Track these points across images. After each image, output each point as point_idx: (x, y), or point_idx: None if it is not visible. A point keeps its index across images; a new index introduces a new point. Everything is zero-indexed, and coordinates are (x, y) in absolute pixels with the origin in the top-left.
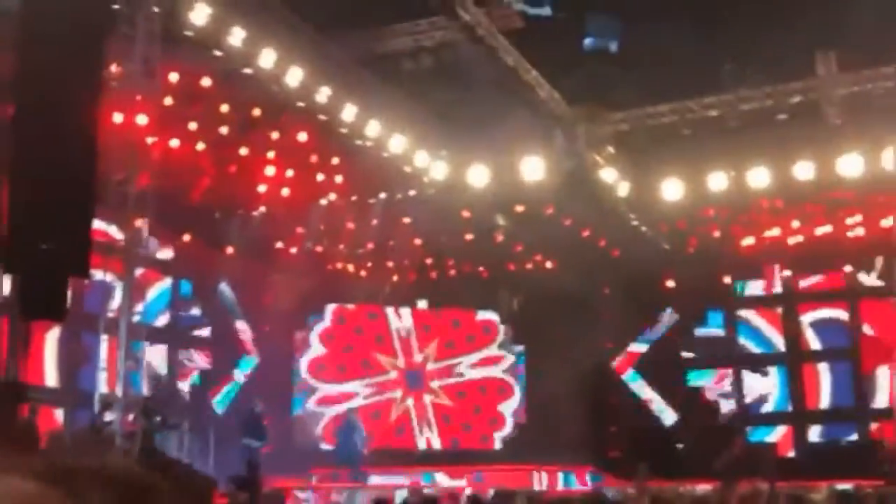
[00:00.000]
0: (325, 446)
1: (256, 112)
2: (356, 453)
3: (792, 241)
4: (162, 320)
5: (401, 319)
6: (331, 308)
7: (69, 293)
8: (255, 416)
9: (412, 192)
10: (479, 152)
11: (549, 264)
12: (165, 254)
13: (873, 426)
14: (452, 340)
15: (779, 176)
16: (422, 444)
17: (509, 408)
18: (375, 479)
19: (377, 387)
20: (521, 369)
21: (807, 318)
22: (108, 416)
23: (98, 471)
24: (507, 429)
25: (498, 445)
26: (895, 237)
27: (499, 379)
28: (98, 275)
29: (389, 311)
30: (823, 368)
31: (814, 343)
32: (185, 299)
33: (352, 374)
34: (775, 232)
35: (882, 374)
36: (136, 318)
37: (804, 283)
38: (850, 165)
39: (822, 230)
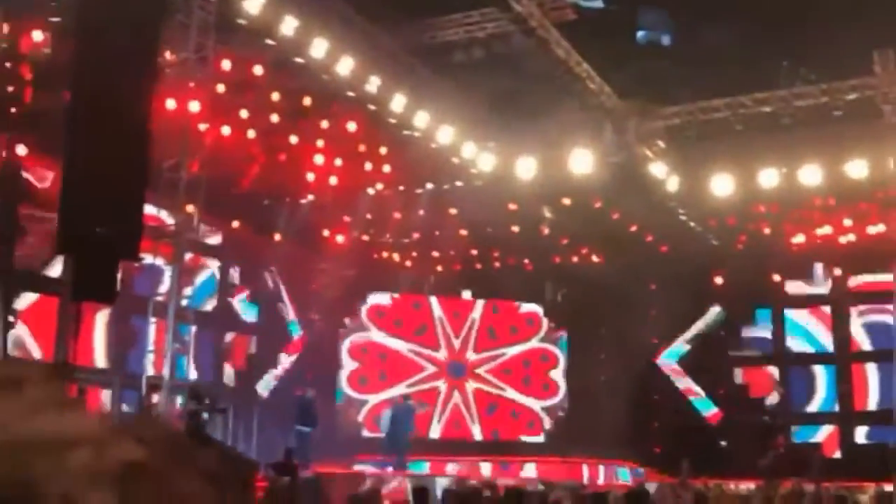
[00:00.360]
0: (368, 433)
1: (307, 101)
2: (403, 441)
3: (843, 239)
4: (210, 305)
5: (445, 309)
6: (371, 300)
7: (119, 277)
8: (306, 402)
9: (459, 183)
10: (528, 144)
11: (595, 258)
12: (214, 239)
13: None
14: (495, 330)
15: (831, 173)
16: (476, 434)
17: (559, 374)
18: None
19: (420, 382)
20: (563, 359)
21: (856, 317)
22: (155, 398)
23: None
24: (561, 394)
25: (541, 438)
26: None
27: (540, 349)
28: (148, 259)
29: (433, 300)
30: (872, 369)
31: (863, 343)
32: (232, 285)
33: (393, 379)
34: (827, 230)
35: None
36: (183, 302)
37: (854, 283)
38: None
39: (875, 229)
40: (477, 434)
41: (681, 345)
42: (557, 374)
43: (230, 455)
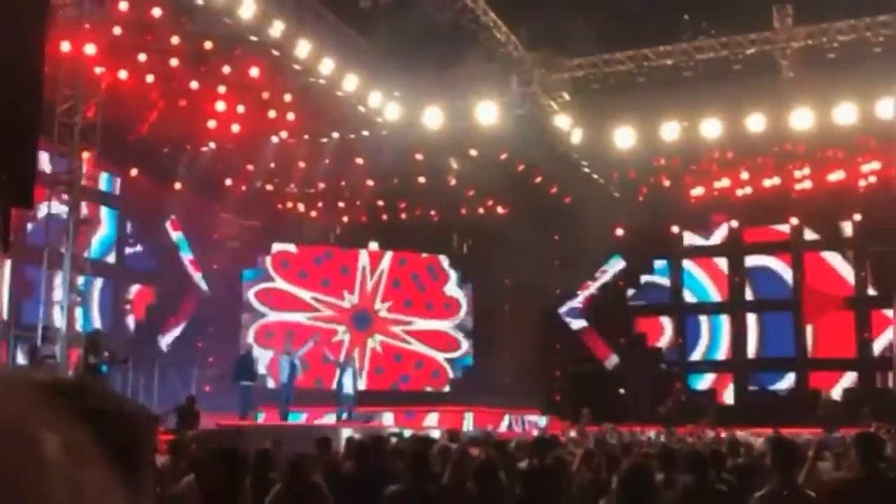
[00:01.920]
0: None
1: (208, 45)
2: (288, 392)
3: (740, 192)
4: (109, 256)
5: (349, 260)
6: (276, 248)
7: (12, 225)
8: (248, 359)
9: (365, 133)
10: (435, 94)
11: (500, 209)
12: (112, 187)
13: (811, 375)
14: (400, 281)
15: (731, 127)
16: (381, 385)
17: (454, 289)
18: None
19: (328, 306)
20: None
21: (750, 268)
22: (48, 350)
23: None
24: (463, 310)
25: (447, 388)
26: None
27: (444, 333)
28: (43, 207)
29: (337, 251)
30: (762, 318)
31: (754, 293)
32: (130, 234)
33: (301, 338)
34: (725, 183)
35: (821, 325)
36: (82, 253)
37: (750, 235)
38: (802, 119)
39: (771, 182)
40: (381, 384)
41: (582, 295)
42: (454, 289)
43: (129, 405)
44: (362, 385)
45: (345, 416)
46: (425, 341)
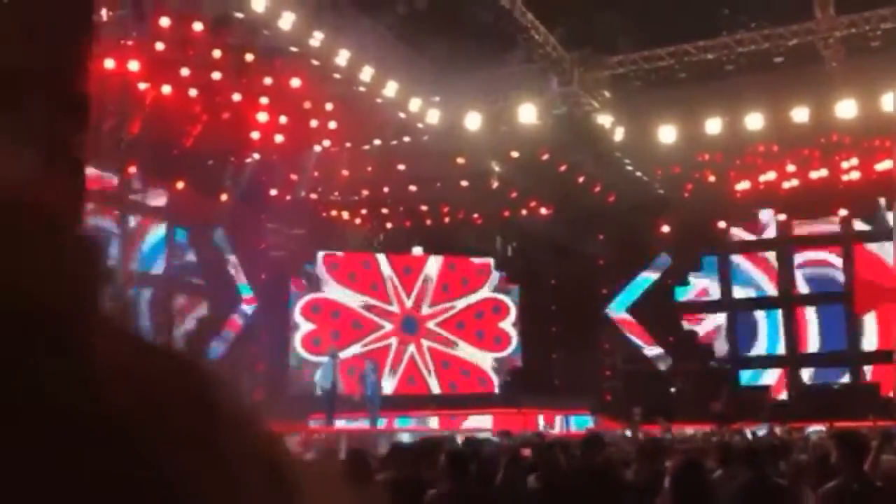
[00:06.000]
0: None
1: (249, 57)
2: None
3: (787, 185)
4: (157, 268)
5: (395, 266)
6: (321, 255)
7: None
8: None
9: (407, 139)
10: (474, 97)
11: (544, 210)
12: (159, 201)
13: (866, 369)
14: (447, 284)
15: (774, 120)
16: (389, 385)
17: (510, 325)
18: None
19: (374, 342)
20: (514, 309)
21: (799, 262)
22: None
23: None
24: (513, 346)
25: (496, 389)
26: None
27: (492, 299)
28: (91, 222)
29: (381, 257)
30: (815, 312)
31: (805, 287)
32: (178, 246)
33: (346, 338)
34: (770, 176)
35: (874, 317)
36: (131, 266)
37: (798, 228)
38: (847, 109)
39: (818, 174)
40: (434, 388)
41: (629, 293)
42: (508, 325)
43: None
44: (408, 389)
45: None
46: (473, 342)
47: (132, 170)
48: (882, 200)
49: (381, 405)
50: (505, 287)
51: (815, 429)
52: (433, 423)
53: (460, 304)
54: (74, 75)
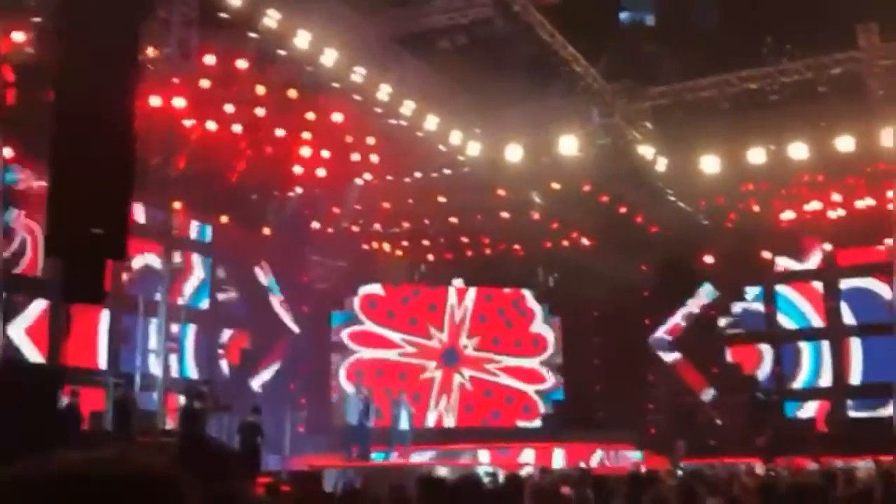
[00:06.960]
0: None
1: (292, 93)
2: (366, 431)
3: (833, 214)
4: (203, 302)
5: (433, 299)
6: (363, 290)
7: (111, 277)
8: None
9: (447, 171)
10: (515, 130)
11: (585, 241)
12: (203, 235)
13: None
14: (499, 337)
15: (819, 149)
16: (432, 418)
17: (540, 325)
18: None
19: (417, 347)
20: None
21: (846, 290)
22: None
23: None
24: (550, 346)
25: (538, 423)
26: None
27: (533, 370)
28: (138, 258)
29: (420, 291)
30: (861, 343)
31: (852, 317)
32: (223, 280)
33: (398, 324)
34: (816, 205)
35: None
36: (177, 301)
37: (844, 257)
38: (893, 137)
39: (864, 203)
40: (448, 422)
41: (668, 324)
42: (539, 325)
43: (228, 455)
44: (451, 422)
45: (394, 454)
46: (514, 376)
47: (177, 205)
48: None
49: (416, 439)
50: (546, 318)
51: (864, 464)
52: (483, 456)
53: (504, 360)
54: (122, 112)
